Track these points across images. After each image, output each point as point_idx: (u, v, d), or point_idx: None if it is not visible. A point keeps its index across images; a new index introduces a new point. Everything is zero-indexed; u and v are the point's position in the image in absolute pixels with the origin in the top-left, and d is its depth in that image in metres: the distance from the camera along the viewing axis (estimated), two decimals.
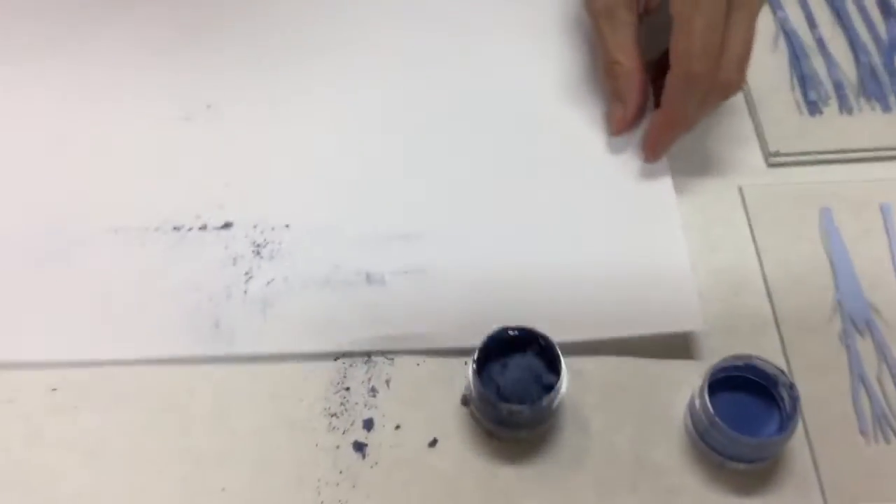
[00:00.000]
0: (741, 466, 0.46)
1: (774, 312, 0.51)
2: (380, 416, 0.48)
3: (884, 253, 0.53)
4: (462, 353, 0.49)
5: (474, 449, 0.47)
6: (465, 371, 0.47)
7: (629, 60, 0.55)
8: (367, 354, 0.50)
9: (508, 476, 0.47)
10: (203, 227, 0.53)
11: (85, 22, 0.62)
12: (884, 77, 0.61)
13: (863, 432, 0.48)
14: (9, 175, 0.56)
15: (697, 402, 0.46)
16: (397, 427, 0.48)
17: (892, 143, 0.57)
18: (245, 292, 0.51)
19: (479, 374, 0.46)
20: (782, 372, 0.46)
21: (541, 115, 0.59)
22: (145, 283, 0.51)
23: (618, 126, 0.57)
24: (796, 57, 0.62)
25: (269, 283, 0.51)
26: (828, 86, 0.60)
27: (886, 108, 0.59)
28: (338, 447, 0.47)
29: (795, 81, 0.61)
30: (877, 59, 0.62)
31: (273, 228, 0.53)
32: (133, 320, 0.50)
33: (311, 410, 0.48)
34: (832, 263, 0.53)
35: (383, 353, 0.50)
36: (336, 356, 0.50)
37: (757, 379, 0.47)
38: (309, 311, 0.50)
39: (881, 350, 0.50)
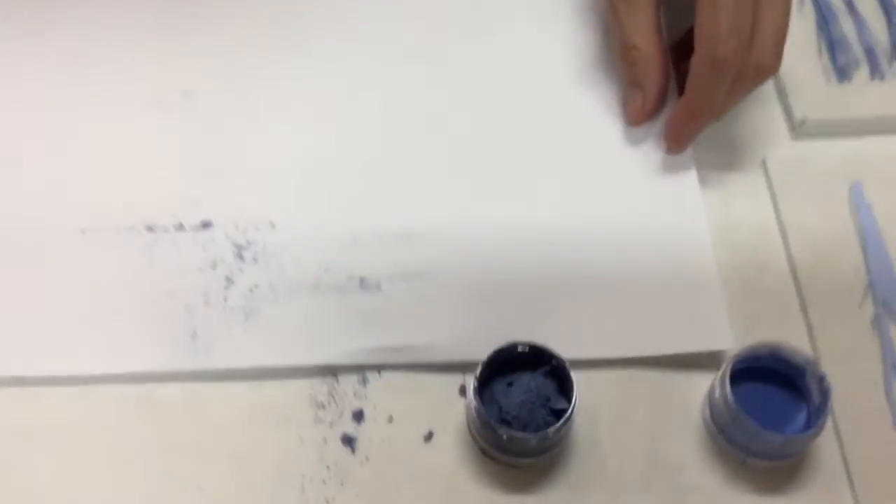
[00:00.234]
0: (764, 464, 0.44)
1: (800, 296, 0.49)
2: (371, 407, 0.45)
3: None
4: (464, 367, 0.46)
5: (474, 443, 0.44)
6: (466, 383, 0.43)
7: (648, 44, 0.50)
8: (361, 370, 0.46)
9: (509, 471, 0.44)
10: (179, 227, 0.49)
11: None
12: None
13: None
14: None
15: (718, 393, 0.43)
16: (390, 419, 0.45)
17: None
18: (225, 300, 0.47)
19: (481, 393, 0.42)
20: (811, 362, 0.43)
21: (552, 106, 0.54)
22: (115, 289, 0.47)
23: (636, 116, 0.52)
24: (824, 19, 0.58)
25: (251, 289, 0.47)
26: (858, 50, 0.57)
27: None
28: (325, 441, 0.44)
29: (823, 46, 0.57)
30: None
31: (256, 228, 0.49)
32: (101, 331, 0.46)
33: (295, 400, 0.45)
34: (863, 242, 0.50)
35: (378, 367, 0.46)
36: (332, 372, 0.46)
37: (783, 369, 0.44)
38: (296, 320, 0.46)
39: None
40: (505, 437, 0.42)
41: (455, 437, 0.45)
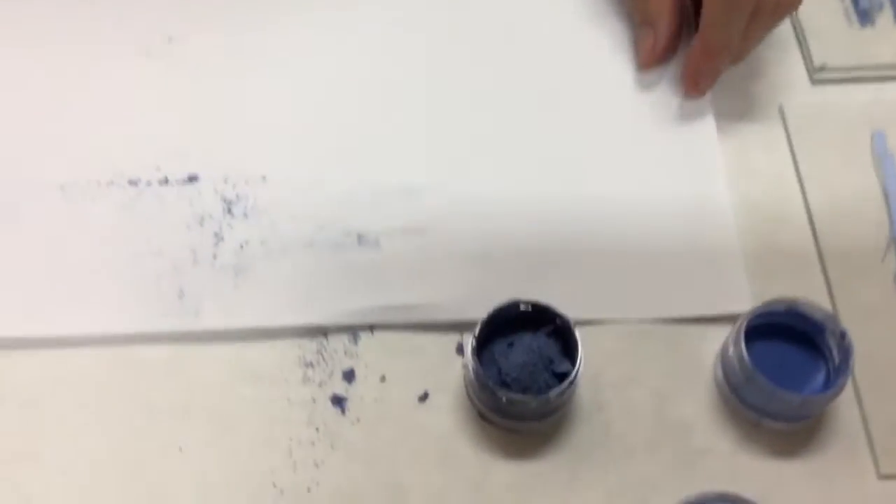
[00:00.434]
0: (780, 426, 0.42)
1: (819, 250, 0.47)
2: (362, 366, 0.44)
3: None
4: (463, 327, 0.44)
5: (472, 406, 0.43)
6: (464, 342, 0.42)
7: None
8: (352, 329, 0.44)
9: (509, 435, 0.42)
10: (164, 181, 0.47)
11: None
12: None
13: None
14: None
15: (732, 351, 0.41)
16: (382, 378, 0.43)
17: None
18: (214, 257, 0.45)
19: (479, 353, 0.40)
20: (831, 317, 0.41)
21: (558, 49, 0.52)
22: (96, 247, 0.46)
23: (647, 57, 0.50)
24: None
25: (242, 246, 0.46)
26: None
27: None
28: (313, 401, 0.43)
29: None
30: None
31: (246, 182, 0.47)
32: (82, 291, 0.44)
33: (282, 359, 0.44)
34: (886, 194, 0.49)
35: (372, 327, 0.44)
36: (322, 330, 0.44)
37: (801, 326, 0.42)
38: (289, 278, 0.45)
39: None
40: (504, 399, 0.40)
41: (452, 399, 0.43)
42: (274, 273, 0.45)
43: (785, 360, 0.42)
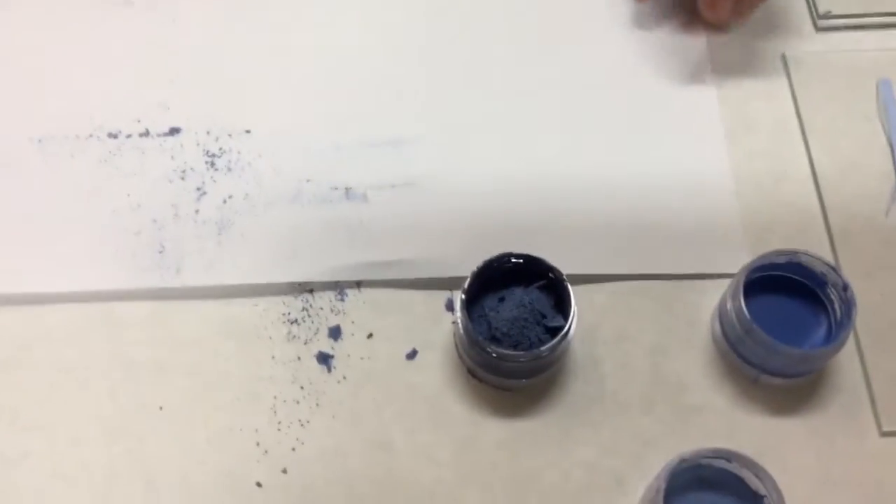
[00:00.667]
0: (778, 381, 0.41)
1: (822, 203, 0.47)
2: (349, 323, 0.43)
3: None
4: (452, 284, 0.43)
5: (461, 363, 0.42)
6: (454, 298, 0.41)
7: None
8: (339, 286, 0.43)
9: (500, 393, 0.41)
10: (144, 134, 0.47)
11: None
12: None
13: None
14: None
15: (730, 306, 0.40)
16: (369, 336, 0.43)
17: None
18: (196, 212, 0.45)
19: (468, 308, 0.39)
20: (833, 269, 0.40)
21: (556, 7, 0.50)
22: (75, 201, 0.45)
23: None
24: None
25: (225, 200, 0.45)
26: None
27: None
28: (298, 359, 0.42)
29: None
30: None
31: (230, 135, 0.47)
32: (60, 247, 0.44)
33: (266, 316, 0.43)
34: (891, 144, 0.48)
35: (359, 283, 0.43)
36: (307, 286, 0.43)
37: (802, 279, 0.42)
38: (274, 234, 0.44)
39: None
40: (494, 355, 0.39)
41: (441, 356, 0.42)
42: (258, 228, 0.44)
43: (785, 314, 0.41)
